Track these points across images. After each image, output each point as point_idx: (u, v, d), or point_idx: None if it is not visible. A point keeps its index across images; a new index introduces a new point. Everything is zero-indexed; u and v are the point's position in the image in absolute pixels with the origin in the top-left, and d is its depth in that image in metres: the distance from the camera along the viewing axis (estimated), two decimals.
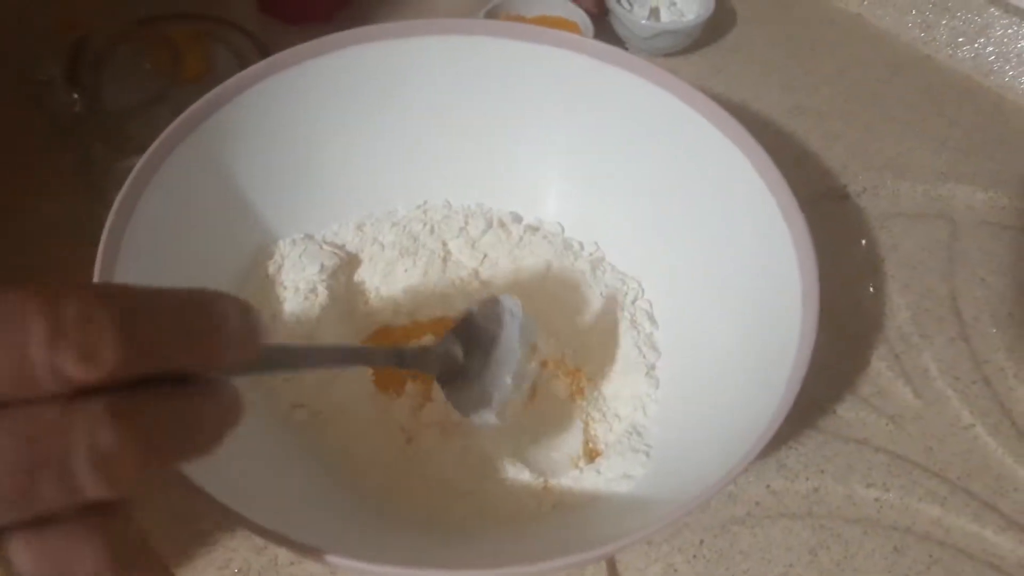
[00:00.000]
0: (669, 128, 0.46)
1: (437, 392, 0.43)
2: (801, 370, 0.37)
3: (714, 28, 0.70)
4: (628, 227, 0.50)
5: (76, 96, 0.50)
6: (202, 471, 0.34)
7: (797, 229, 0.41)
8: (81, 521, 0.21)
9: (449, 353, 0.39)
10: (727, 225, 0.45)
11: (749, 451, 0.36)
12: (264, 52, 0.62)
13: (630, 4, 0.67)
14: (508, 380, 0.38)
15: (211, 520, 0.43)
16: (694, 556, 0.44)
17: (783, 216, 0.41)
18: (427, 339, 0.45)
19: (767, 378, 0.39)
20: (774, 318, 0.41)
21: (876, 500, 0.47)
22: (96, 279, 0.39)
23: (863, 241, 0.56)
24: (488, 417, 0.37)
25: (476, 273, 0.49)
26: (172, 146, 0.43)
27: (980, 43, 0.67)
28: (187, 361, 0.22)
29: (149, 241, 0.41)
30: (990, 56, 0.67)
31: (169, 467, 0.22)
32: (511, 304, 0.39)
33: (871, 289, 0.55)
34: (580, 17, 0.63)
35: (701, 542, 0.45)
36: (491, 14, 0.62)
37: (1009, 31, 0.66)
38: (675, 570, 0.44)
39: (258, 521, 0.32)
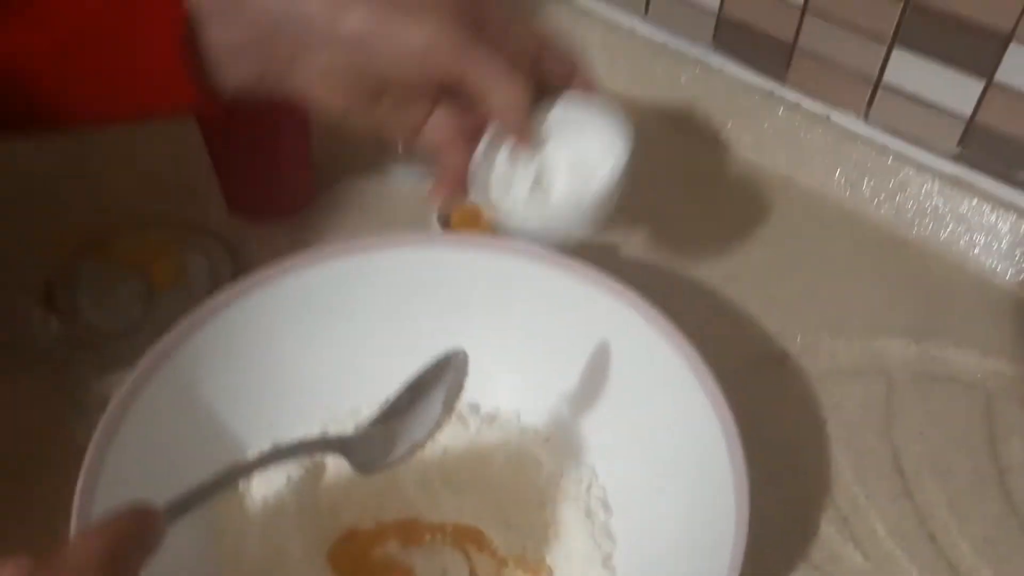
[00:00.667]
0: (607, 323, 0.50)
1: None
2: (740, 552, 0.40)
3: (644, 196, 0.75)
4: (580, 415, 0.53)
5: (55, 322, 0.53)
6: None
7: (718, 403, 0.44)
8: None
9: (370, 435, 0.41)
10: (662, 410, 0.48)
11: None
12: (234, 253, 0.66)
13: (507, 179, 0.50)
14: (422, 434, 0.40)
15: None
16: None
17: (703, 390, 0.45)
18: (391, 545, 0.48)
19: (715, 557, 0.41)
20: (713, 500, 0.44)
21: None
22: (76, 504, 0.41)
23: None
24: (391, 458, 0.40)
25: (438, 469, 0.51)
26: (147, 376, 0.46)
27: (900, 199, 0.72)
28: None
29: (127, 465, 0.44)
30: (910, 211, 0.72)
31: None
32: (455, 359, 0.41)
33: (817, 453, 0.57)
34: None
35: None
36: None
37: (924, 188, 0.71)
38: None
39: None
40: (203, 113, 0.49)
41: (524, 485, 0.51)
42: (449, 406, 0.40)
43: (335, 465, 0.51)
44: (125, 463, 0.43)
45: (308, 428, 0.53)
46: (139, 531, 0.30)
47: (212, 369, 0.49)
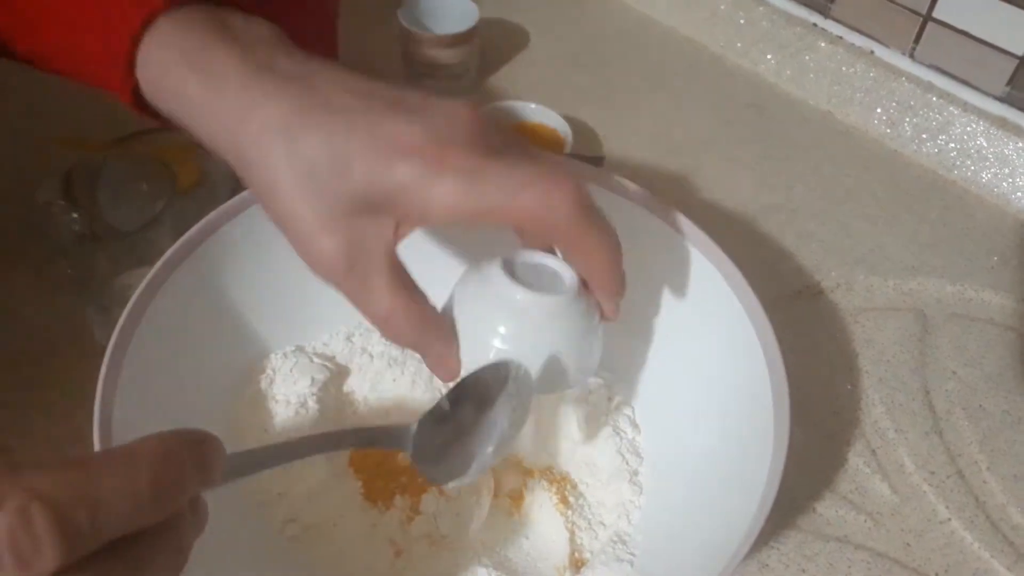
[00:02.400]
0: (649, 243, 0.48)
1: (427, 505, 0.45)
2: (777, 473, 0.39)
3: (691, 129, 0.73)
4: (612, 334, 0.52)
5: (75, 216, 0.52)
6: None
7: (765, 334, 0.43)
8: None
9: (425, 428, 0.37)
10: (701, 331, 0.47)
11: (730, 561, 0.37)
12: None
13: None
14: (489, 450, 0.37)
15: None
16: None
17: (751, 322, 0.43)
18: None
19: (747, 481, 0.40)
20: (750, 422, 0.42)
21: None
22: (99, 397, 0.40)
23: (849, 385, 0.57)
24: (462, 481, 0.37)
25: None
26: (171, 269, 0.45)
27: (942, 139, 0.70)
28: (143, 524, 0.23)
29: (149, 359, 0.43)
30: (952, 152, 0.70)
31: None
32: (516, 370, 0.36)
33: (849, 387, 0.56)
34: (560, 124, 0.66)
35: None
36: None
37: (968, 128, 0.69)
38: None
39: None
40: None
41: (551, 400, 0.50)
42: (517, 426, 0.37)
43: (357, 376, 0.50)
44: (145, 357, 0.42)
45: (332, 334, 0.52)
46: (200, 451, 0.26)
47: (235, 268, 0.48)
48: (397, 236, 0.35)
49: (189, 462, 0.25)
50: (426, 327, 0.37)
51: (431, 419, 0.37)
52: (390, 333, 0.37)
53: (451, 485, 0.38)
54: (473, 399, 0.38)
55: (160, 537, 0.24)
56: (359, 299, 0.36)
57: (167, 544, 0.25)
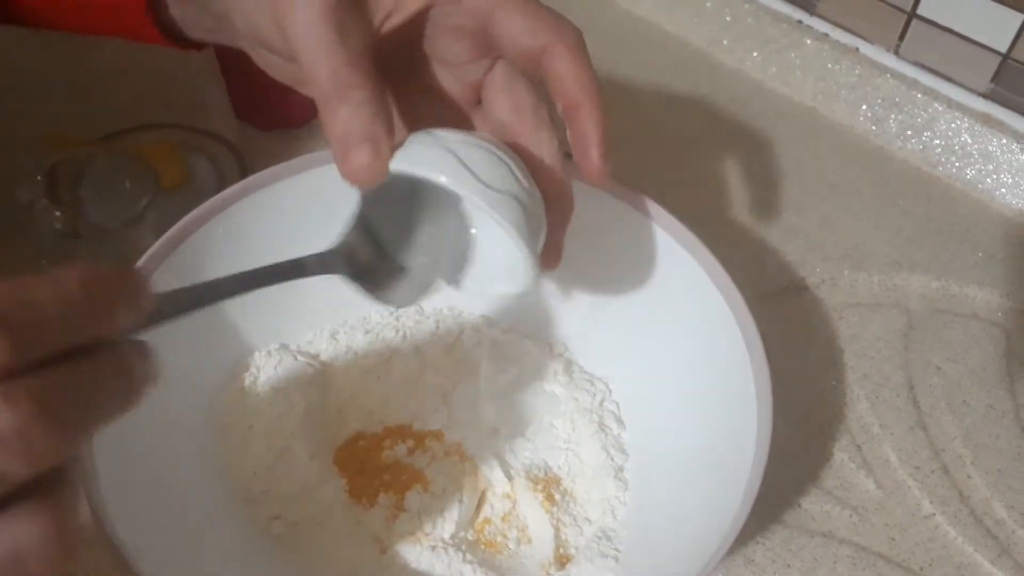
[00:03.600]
0: (630, 239, 0.48)
1: (411, 502, 0.45)
2: (760, 466, 0.39)
3: (675, 125, 0.73)
4: (595, 329, 0.52)
5: (58, 214, 0.52)
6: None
7: (747, 330, 0.43)
8: (22, 503, 0.22)
9: (354, 246, 0.36)
10: (684, 328, 0.47)
11: (713, 556, 0.37)
12: (241, 159, 0.64)
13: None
14: (422, 261, 0.37)
15: None
16: None
17: (734, 317, 0.44)
18: (399, 447, 0.47)
19: (730, 476, 0.40)
20: (733, 417, 0.43)
21: None
22: None
23: (833, 381, 0.57)
24: (405, 300, 0.37)
25: (447, 378, 0.50)
26: (153, 267, 0.45)
27: (927, 136, 0.71)
28: (80, 337, 0.23)
29: None
30: (936, 148, 0.70)
31: (87, 434, 0.24)
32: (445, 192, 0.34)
33: (833, 383, 0.57)
34: None
35: None
36: None
37: (952, 125, 0.69)
38: None
39: None
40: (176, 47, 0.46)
41: (537, 398, 0.50)
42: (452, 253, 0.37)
43: (343, 370, 0.50)
44: None
45: (317, 332, 0.52)
46: (123, 274, 0.25)
47: (218, 266, 0.48)
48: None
49: (115, 277, 0.25)
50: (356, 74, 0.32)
51: (355, 236, 0.36)
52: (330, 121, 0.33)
53: (396, 303, 0.37)
54: (396, 211, 0.37)
55: (102, 355, 0.24)
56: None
57: (110, 364, 0.24)
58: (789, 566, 0.48)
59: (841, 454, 0.53)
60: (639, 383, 0.50)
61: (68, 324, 0.23)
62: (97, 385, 0.24)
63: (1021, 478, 0.52)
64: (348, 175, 0.34)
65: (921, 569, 0.49)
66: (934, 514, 0.51)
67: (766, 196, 0.68)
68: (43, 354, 0.22)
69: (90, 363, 0.24)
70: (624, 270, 0.50)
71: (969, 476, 0.53)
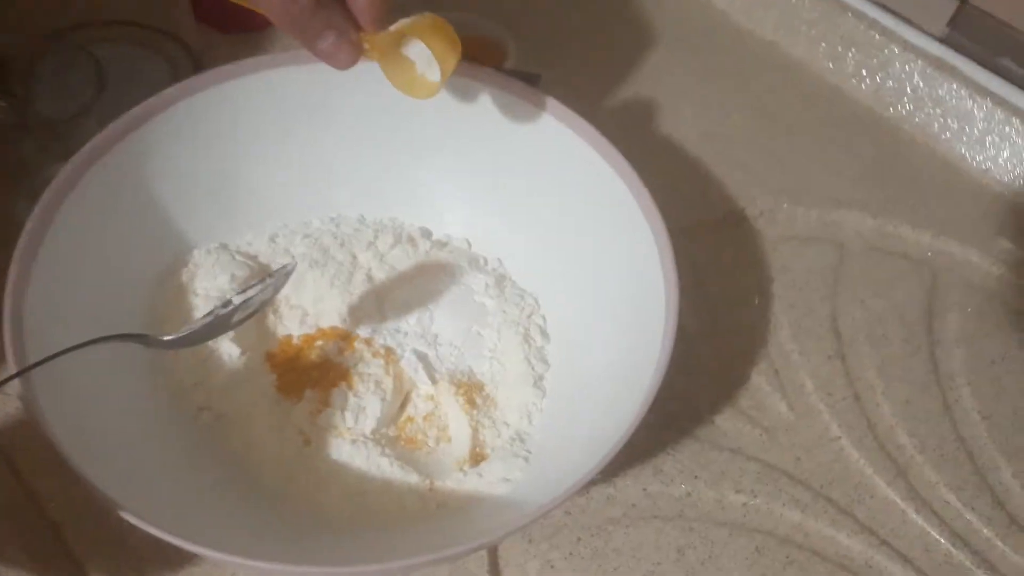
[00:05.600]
0: (563, 158, 0.50)
1: (335, 398, 0.47)
2: (659, 378, 0.41)
3: (636, 52, 0.74)
4: (529, 246, 0.53)
5: (4, 105, 0.52)
6: (98, 466, 0.37)
7: (665, 254, 0.44)
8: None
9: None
10: (610, 248, 0.49)
11: (606, 455, 0.39)
12: (198, 61, 0.64)
13: None
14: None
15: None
16: (571, 553, 0.48)
17: (655, 242, 0.45)
18: (330, 345, 0.49)
19: (635, 386, 0.42)
20: (645, 331, 0.44)
21: (744, 505, 0.51)
22: (11, 281, 0.41)
23: (756, 299, 0.59)
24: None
25: (381, 285, 0.52)
26: (94, 158, 0.46)
27: (880, 77, 0.71)
28: None
29: (68, 246, 0.44)
30: (890, 90, 0.71)
31: None
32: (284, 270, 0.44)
33: (756, 300, 0.59)
34: (501, 36, 0.66)
35: (578, 540, 0.48)
36: None
37: (907, 67, 0.70)
38: (552, 566, 0.47)
39: (146, 517, 0.35)
40: None
41: (467, 308, 0.52)
42: (262, 296, 0.43)
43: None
44: (64, 244, 0.44)
45: (257, 234, 0.53)
46: None
47: (162, 162, 0.49)
48: None
49: None
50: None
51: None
52: (282, 6, 0.39)
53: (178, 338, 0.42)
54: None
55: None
56: None
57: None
58: (696, 477, 0.51)
59: (759, 377, 0.56)
60: (567, 299, 0.52)
61: None
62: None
63: (926, 408, 0.55)
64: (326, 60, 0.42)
65: (821, 487, 0.52)
66: (840, 437, 0.54)
67: (716, 127, 0.69)
68: None
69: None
70: (558, 191, 0.51)
71: (878, 404, 0.55)
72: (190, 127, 0.50)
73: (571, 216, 0.51)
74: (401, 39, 0.43)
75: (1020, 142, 0.66)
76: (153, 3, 0.68)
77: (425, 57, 0.44)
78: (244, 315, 0.44)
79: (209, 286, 0.49)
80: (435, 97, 0.51)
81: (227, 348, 0.48)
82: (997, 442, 0.54)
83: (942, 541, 0.50)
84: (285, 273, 0.44)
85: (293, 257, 0.52)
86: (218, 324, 0.43)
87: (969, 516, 0.51)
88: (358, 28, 0.41)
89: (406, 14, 0.43)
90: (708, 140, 0.68)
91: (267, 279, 0.44)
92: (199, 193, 0.51)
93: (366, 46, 0.42)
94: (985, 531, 0.50)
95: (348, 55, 0.41)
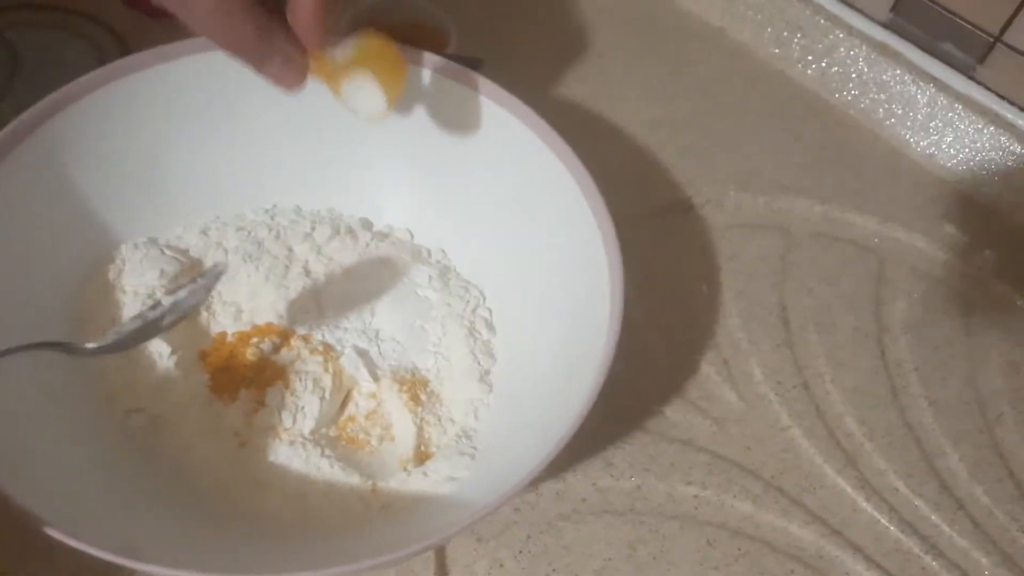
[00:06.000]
0: (505, 145, 0.48)
1: (271, 398, 0.45)
2: (605, 369, 0.40)
3: (582, 37, 0.72)
4: (473, 237, 0.52)
5: None
6: (20, 479, 0.35)
7: (610, 244, 0.43)
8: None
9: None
10: (554, 238, 0.48)
11: (555, 447, 0.38)
12: (124, 46, 0.61)
13: None
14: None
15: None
16: (520, 551, 0.47)
17: (600, 231, 0.44)
18: (265, 343, 0.47)
19: (582, 378, 0.41)
20: (589, 323, 0.43)
21: (694, 497, 0.50)
22: None
23: (704, 287, 0.59)
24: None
25: (319, 279, 0.50)
26: (8, 148, 0.43)
27: (826, 63, 0.71)
28: None
29: None
30: (835, 76, 0.71)
31: None
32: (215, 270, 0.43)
33: (704, 289, 0.58)
34: (442, 22, 0.65)
35: (528, 537, 0.47)
36: (355, 19, 0.63)
37: (851, 52, 0.70)
38: (501, 565, 0.46)
39: (73, 532, 0.33)
40: None
41: (410, 301, 0.50)
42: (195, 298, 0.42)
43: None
44: None
45: (187, 227, 0.51)
46: None
47: (84, 152, 0.46)
48: None
49: None
50: (271, 23, 0.38)
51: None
52: (226, 32, 0.38)
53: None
54: None
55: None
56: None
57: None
58: (647, 470, 0.50)
59: (708, 367, 0.55)
60: (512, 291, 0.50)
61: None
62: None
63: (874, 395, 0.55)
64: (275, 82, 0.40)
65: (772, 477, 0.51)
66: (790, 427, 0.53)
67: (662, 114, 0.68)
68: None
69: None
70: (502, 180, 0.50)
71: (827, 392, 0.55)
72: (114, 114, 0.47)
73: (515, 204, 0.50)
74: (348, 66, 0.41)
75: (963, 127, 0.66)
76: None
77: (371, 83, 0.42)
78: (174, 318, 0.42)
79: (137, 283, 0.46)
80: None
81: (157, 347, 0.45)
82: (943, 427, 0.54)
83: (891, 528, 0.50)
84: (216, 274, 0.42)
85: (226, 251, 0.49)
86: (147, 328, 0.41)
87: (917, 502, 0.51)
88: (303, 50, 0.40)
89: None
90: (654, 127, 0.67)
91: (198, 279, 0.42)
92: (125, 184, 0.48)
93: (312, 66, 0.41)
94: (933, 517, 0.50)
95: (295, 78, 0.40)
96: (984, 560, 0.49)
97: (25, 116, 0.44)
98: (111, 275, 0.47)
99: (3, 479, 0.35)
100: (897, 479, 0.52)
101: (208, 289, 0.42)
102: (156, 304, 0.42)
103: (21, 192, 0.44)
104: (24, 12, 0.59)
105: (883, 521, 0.50)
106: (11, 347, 0.37)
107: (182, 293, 0.42)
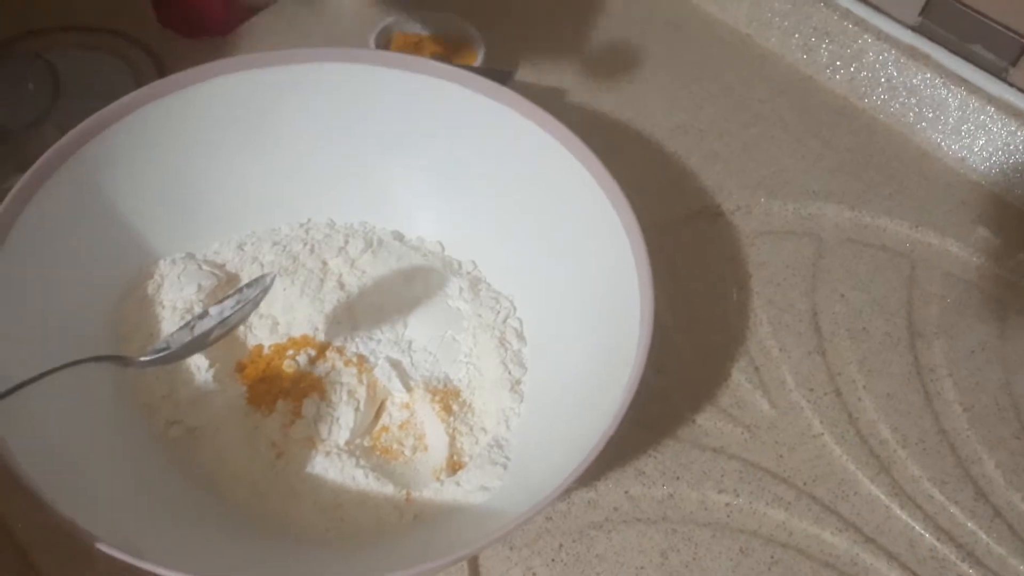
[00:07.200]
0: (534, 156, 0.49)
1: (307, 409, 0.46)
2: (637, 377, 0.40)
3: (608, 46, 0.73)
4: (503, 248, 0.52)
5: None
6: (68, 496, 0.36)
7: (639, 254, 0.44)
8: None
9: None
10: (584, 249, 0.48)
11: (588, 456, 0.38)
12: (160, 65, 0.63)
13: None
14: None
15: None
16: (552, 560, 0.47)
17: (629, 242, 0.44)
18: (301, 356, 0.47)
19: (613, 387, 0.41)
20: (620, 332, 0.44)
21: (727, 505, 0.50)
22: None
23: (734, 294, 0.59)
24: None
25: (353, 291, 0.51)
26: (52, 168, 0.45)
27: (855, 67, 0.71)
28: None
29: (27, 259, 0.43)
30: (864, 80, 0.71)
31: None
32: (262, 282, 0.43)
33: (734, 296, 0.58)
34: (473, 36, 0.65)
35: (560, 546, 0.48)
36: (383, 33, 0.64)
37: (880, 57, 0.69)
38: (534, 573, 0.46)
39: (118, 544, 0.34)
40: None
41: (442, 312, 0.51)
42: (242, 312, 0.43)
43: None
44: (23, 257, 0.42)
45: (224, 242, 0.52)
46: None
47: (124, 171, 0.47)
48: None
49: None
50: None
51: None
52: None
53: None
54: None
55: None
56: None
57: None
58: (678, 478, 0.50)
59: (739, 375, 0.55)
60: (542, 301, 0.51)
61: None
62: None
63: (907, 402, 0.55)
64: None
65: (804, 484, 0.51)
66: (822, 434, 0.53)
67: (690, 120, 0.68)
68: None
69: None
70: (531, 191, 0.50)
71: (860, 399, 0.55)
72: (152, 133, 0.48)
73: (544, 215, 0.50)
74: None
75: (995, 130, 0.66)
76: (114, 8, 0.66)
77: None
78: (223, 332, 0.43)
79: (175, 297, 0.48)
80: (404, 96, 0.50)
81: (195, 359, 0.46)
82: (979, 433, 0.54)
83: (927, 536, 0.50)
84: (264, 288, 0.43)
85: (263, 266, 0.51)
86: (196, 341, 0.42)
87: (953, 510, 0.50)
88: None
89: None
90: (681, 134, 0.67)
91: (244, 290, 0.43)
92: (163, 201, 0.50)
93: None
94: (969, 524, 0.50)
95: None
96: (1023, 568, 0.49)
97: (67, 137, 0.45)
98: (150, 290, 0.48)
99: (55, 498, 0.35)
100: (932, 486, 0.51)
101: (256, 303, 0.43)
102: (204, 313, 0.42)
103: (64, 210, 0.45)
104: (64, 34, 0.61)
105: (918, 528, 0.50)
106: (67, 362, 0.38)
107: (230, 306, 0.42)
